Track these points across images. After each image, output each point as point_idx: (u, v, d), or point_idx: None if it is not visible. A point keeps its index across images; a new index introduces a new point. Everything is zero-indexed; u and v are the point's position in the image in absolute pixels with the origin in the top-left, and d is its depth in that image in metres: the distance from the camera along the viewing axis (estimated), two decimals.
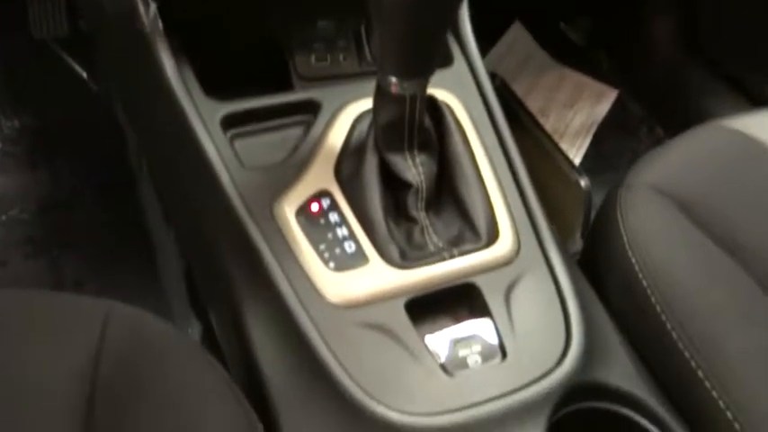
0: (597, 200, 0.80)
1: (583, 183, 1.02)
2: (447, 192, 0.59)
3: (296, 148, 0.61)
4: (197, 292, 0.81)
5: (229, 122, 0.62)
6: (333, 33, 0.75)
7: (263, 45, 0.73)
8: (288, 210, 0.57)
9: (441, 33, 0.53)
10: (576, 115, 1.42)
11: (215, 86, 0.64)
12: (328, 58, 0.75)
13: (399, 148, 0.57)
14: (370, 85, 0.61)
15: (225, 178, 0.58)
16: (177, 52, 0.62)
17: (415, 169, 0.57)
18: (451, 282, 0.55)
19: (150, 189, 0.98)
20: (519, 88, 1.34)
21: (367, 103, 0.63)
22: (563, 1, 1.47)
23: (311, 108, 0.65)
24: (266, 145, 0.62)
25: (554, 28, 1.51)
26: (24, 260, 1.00)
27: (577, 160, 1.33)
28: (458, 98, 0.64)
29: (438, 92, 0.64)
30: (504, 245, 0.57)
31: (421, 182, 0.57)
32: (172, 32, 0.62)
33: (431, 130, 0.58)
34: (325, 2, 0.74)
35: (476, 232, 0.58)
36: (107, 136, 1.05)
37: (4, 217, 1.03)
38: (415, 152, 0.57)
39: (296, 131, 0.64)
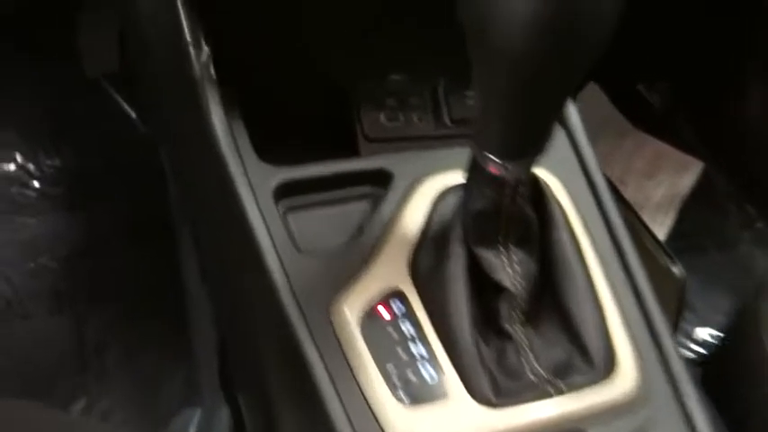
0: None
1: (677, 271, 0.89)
2: (550, 300, 0.48)
3: (361, 228, 0.51)
4: (229, 372, 0.70)
5: (283, 192, 0.52)
6: (406, 89, 0.66)
7: (325, 99, 0.63)
8: (349, 313, 0.46)
9: (563, 103, 0.42)
10: (658, 187, 1.30)
11: (268, 145, 0.55)
12: (400, 118, 0.65)
13: (492, 242, 0.46)
14: (452, 153, 0.50)
15: (274, 264, 0.48)
16: (228, 105, 0.53)
17: (510, 269, 0.46)
18: (557, 429, 0.44)
19: (190, 244, 0.89)
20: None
21: (449, 178, 0.53)
22: (641, 61, 1.36)
23: (381, 179, 0.54)
24: (325, 222, 0.52)
25: (631, 90, 1.41)
26: (48, 315, 0.91)
27: (660, 238, 1.20)
28: (559, 179, 0.53)
29: (535, 171, 0.52)
30: (625, 380, 0.45)
31: (518, 286, 0.46)
32: (223, 81, 0.54)
33: (533, 222, 0.47)
34: (398, 52, 0.65)
35: (588, 359, 0.45)
36: (150, 181, 0.97)
37: (32, 264, 0.96)
38: (512, 248, 0.46)
39: (361, 206, 0.54)
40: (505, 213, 0.44)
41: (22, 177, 1.04)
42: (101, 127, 1.06)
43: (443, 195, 0.52)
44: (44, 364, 0.90)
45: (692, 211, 1.28)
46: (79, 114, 1.07)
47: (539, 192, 0.48)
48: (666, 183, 1.31)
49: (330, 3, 0.58)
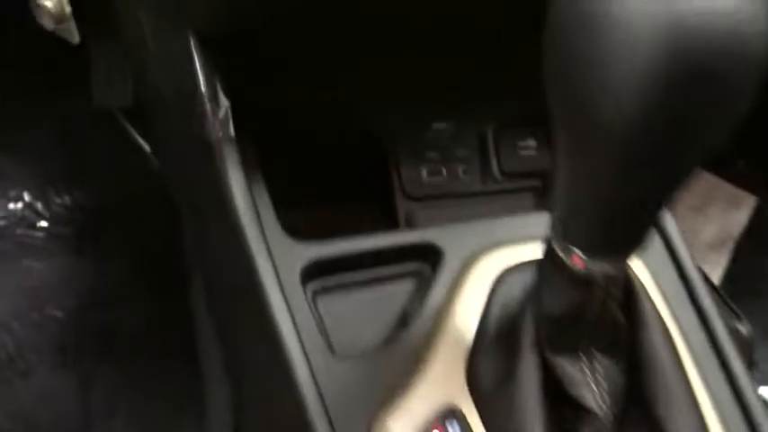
0: None
1: (744, 330, 0.80)
2: (639, 413, 0.38)
3: (405, 318, 0.43)
4: None
5: (313, 273, 0.44)
6: (451, 139, 0.58)
7: (359, 154, 0.56)
8: None
9: (682, 185, 0.34)
10: (708, 223, 1.20)
11: (293, 211, 0.47)
12: (444, 172, 0.57)
13: (574, 350, 0.38)
14: (512, 222, 0.42)
15: (302, 371, 0.39)
16: (249, 168, 0.45)
17: (594, 385, 0.37)
18: None
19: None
20: None
21: (511, 254, 0.44)
22: None
23: (427, 255, 0.46)
24: (362, 307, 0.44)
25: None
26: (52, 372, 0.84)
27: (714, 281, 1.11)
28: (647, 269, 0.45)
29: None
30: None
31: (603, 406, 0.37)
32: (243, 139, 0.46)
33: (623, 327, 0.38)
34: (442, 98, 0.57)
35: None
36: (165, 223, 0.90)
37: (36, 314, 0.89)
38: (596, 356, 0.37)
39: (404, 287, 0.45)
40: (592, 317, 0.36)
41: (29, 217, 0.97)
42: (114, 162, 0.99)
43: (504, 278, 0.43)
44: (45, 426, 0.83)
45: (745, 252, 1.19)
46: (92, 149, 1.01)
47: (629, 290, 0.39)
48: (717, 219, 1.22)
49: (368, 46, 0.51)
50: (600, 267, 0.33)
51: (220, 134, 0.45)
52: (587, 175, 0.31)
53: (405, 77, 0.54)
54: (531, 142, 0.58)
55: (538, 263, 0.37)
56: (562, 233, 0.34)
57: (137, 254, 0.93)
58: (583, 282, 0.34)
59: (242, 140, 0.46)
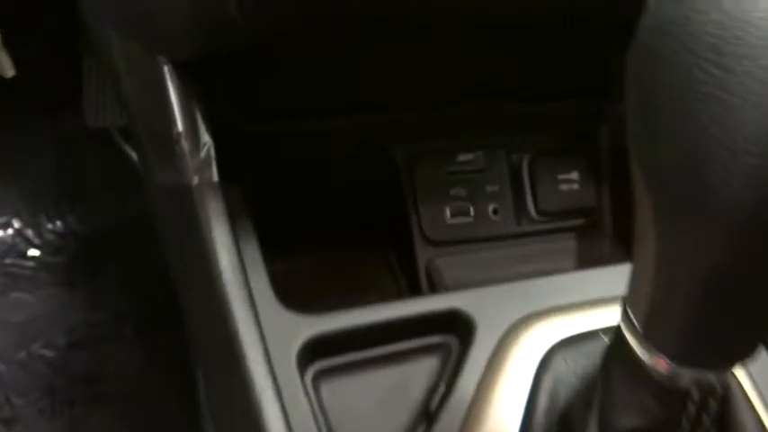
0: None
1: None
2: None
3: (429, 408, 0.34)
4: None
5: (314, 352, 0.36)
6: (479, 172, 0.50)
7: (369, 188, 0.48)
8: None
9: None
10: None
11: (287, 267, 0.39)
12: (471, 212, 0.49)
13: None
14: (557, 282, 0.34)
15: None
16: (238, 217, 0.38)
17: None
18: None
19: None
20: None
21: (558, 324, 0.36)
22: None
23: (455, 326, 0.38)
24: (374, 396, 0.35)
25: None
26: (38, 418, 0.77)
27: None
28: (751, 377, 0.36)
29: None
30: None
31: None
32: (228, 181, 0.38)
33: None
34: (470, 125, 0.49)
35: None
36: (161, 250, 0.83)
37: (24, 353, 0.82)
38: None
39: (427, 366, 0.37)
40: None
41: (18, 246, 0.91)
42: (111, 184, 0.92)
43: (554, 356, 0.35)
44: None
45: None
46: (87, 170, 0.94)
47: (725, 399, 0.31)
48: None
49: (388, 56, 0.43)
50: (695, 376, 0.25)
51: (198, 179, 0.37)
52: (689, 261, 0.22)
53: (426, 98, 0.46)
54: (574, 174, 0.50)
55: (603, 359, 0.29)
56: (642, 332, 0.25)
57: (132, 285, 0.86)
58: (670, 393, 0.26)
59: (228, 184, 0.39)
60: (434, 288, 0.46)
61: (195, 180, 0.37)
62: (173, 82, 0.36)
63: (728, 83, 0.18)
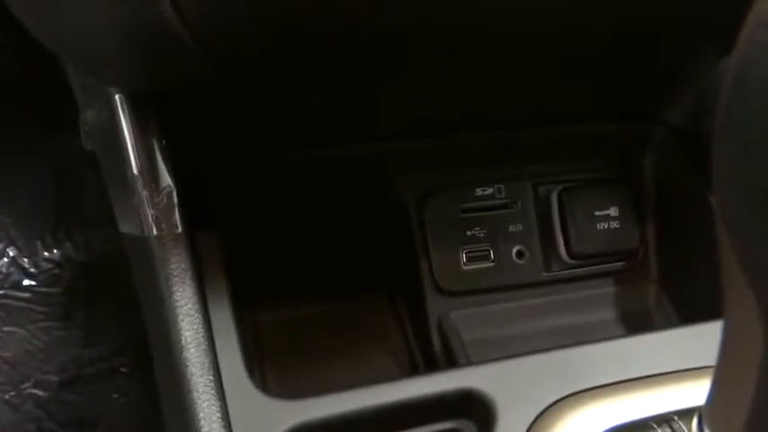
0: None
1: None
2: None
3: None
4: None
5: None
6: (500, 209, 0.43)
7: (372, 227, 0.41)
8: None
9: None
10: None
11: (274, 303, 0.33)
12: (491, 255, 0.42)
13: None
14: (595, 351, 0.27)
15: None
16: (209, 269, 0.31)
17: None
18: None
19: None
20: None
21: (605, 409, 0.29)
22: None
23: (471, 408, 0.31)
24: None
25: None
26: None
27: None
28: None
29: None
30: None
31: None
32: (203, 229, 0.32)
33: None
34: (487, 151, 0.42)
35: None
36: None
37: (13, 393, 0.77)
38: None
39: None
40: None
41: (13, 275, 0.86)
42: (110, 211, 0.87)
43: None
44: None
45: None
46: (85, 195, 0.89)
47: None
48: None
49: (384, 72, 0.36)
50: None
51: (157, 230, 0.30)
52: None
53: (436, 122, 0.40)
54: (612, 210, 0.43)
55: None
56: None
57: (130, 318, 0.80)
58: None
59: (199, 232, 0.32)
60: (448, 348, 0.39)
61: (153, 231, 0.31)
62: (126, 116, 0.30)
63: None
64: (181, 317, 0.30)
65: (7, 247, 0.86)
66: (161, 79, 0.29)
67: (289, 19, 0.25)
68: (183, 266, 0.31)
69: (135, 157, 0.31)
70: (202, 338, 0.30)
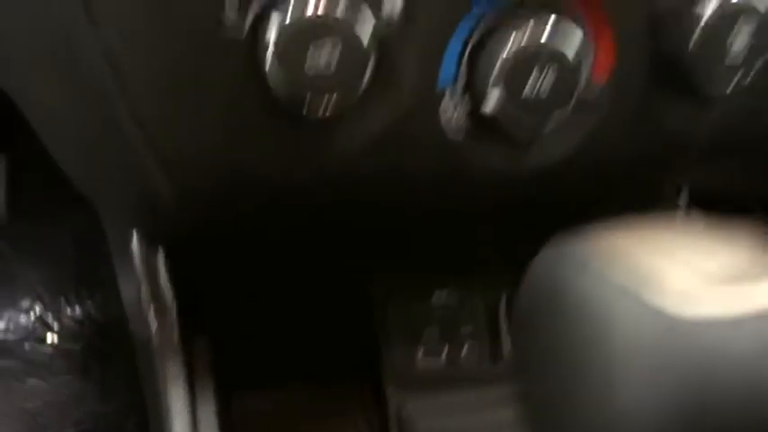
0: None
1: None
2: None
3: None
4: None
5: None
6: (455, 310, 0.49)
7: (338, 331, 0.48)
8: None
9: None
10: None
11: (255, 389, 0.39)
12: (444, 351, 0.48)
13: None
14: None
15: None
16: (199, 379, 0.38)
17: None
18: None
19: None
20: None
21: None
22: None
23: None
24: None
25: None
26: None
27: None
28: None
29: None
30: None
31: None
32: (193, 340, 0.39)
33: None
34: (447, 258, 0.49)
35: None
36: None
37: None
38: None
39: None
40: None
41: (38, 331, 0.93)
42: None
43: None
44: None
45: None
46: (105, 255, 0.97)
47: None
48: None
49: (357, 192, 0.43)
50: None
51: (158, 341, 0.37)
52: None
53: (401, 237, 0.47)
54: None
55: None
56: None
57: (137, 381, 0.87)
58: None
59: (192, 337, 0.39)
60: None
61: (156, 341, 0.38)
62: (137, 248, 0.38)
63: None
64: (173, 413, 0.37)
65: (35, 303, 0.93)
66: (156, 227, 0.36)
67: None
68: (177, 371, 0.38)
69: (144, 284, 0.38)
70: (188, 428, 0.36)
